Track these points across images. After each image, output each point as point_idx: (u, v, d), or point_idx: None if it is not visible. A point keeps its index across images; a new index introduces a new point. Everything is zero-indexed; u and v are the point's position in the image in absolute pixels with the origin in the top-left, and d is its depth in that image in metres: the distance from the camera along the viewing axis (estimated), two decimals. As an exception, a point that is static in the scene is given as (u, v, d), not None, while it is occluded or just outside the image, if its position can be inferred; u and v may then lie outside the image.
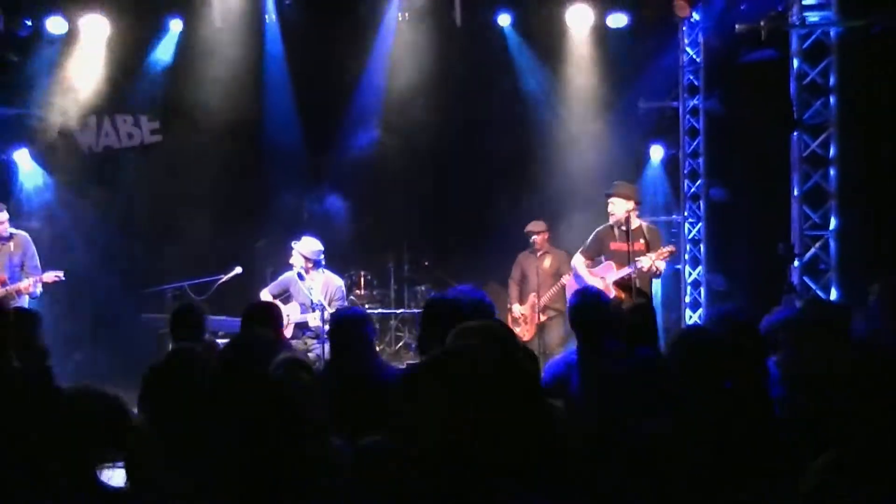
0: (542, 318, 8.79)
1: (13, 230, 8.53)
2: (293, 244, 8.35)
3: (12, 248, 8.36)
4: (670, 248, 7.88)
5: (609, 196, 7.95)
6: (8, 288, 8.00)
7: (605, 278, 7.82)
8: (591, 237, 8.09)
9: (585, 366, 4.45)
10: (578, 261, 8.09)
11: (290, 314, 7.92)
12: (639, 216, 8.08)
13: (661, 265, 7.75)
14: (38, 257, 8.42)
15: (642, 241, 7.77)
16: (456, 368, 2.24)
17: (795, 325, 4.11)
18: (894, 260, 8.00)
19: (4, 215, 8.41)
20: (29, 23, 10.07)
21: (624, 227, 7.73)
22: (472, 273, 9.88)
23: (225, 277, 8.88)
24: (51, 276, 8.18)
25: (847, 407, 2.84)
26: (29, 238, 8.47)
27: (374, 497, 2.62)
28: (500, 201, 10.72)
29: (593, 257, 8.07)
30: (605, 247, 7.96)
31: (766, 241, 8.71)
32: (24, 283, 8.04)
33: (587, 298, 4.69)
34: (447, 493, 2.14)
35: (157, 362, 3.59)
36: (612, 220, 7.87)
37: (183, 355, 3.64)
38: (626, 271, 7.61)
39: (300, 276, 8.26)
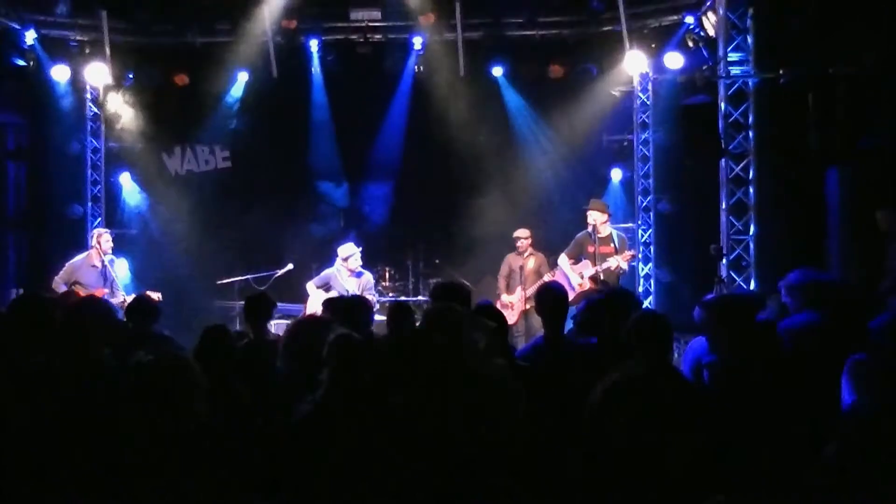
0: (527, 306, 9.03)
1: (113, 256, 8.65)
2: (338, 250, 8.78)
3: (113, 269, 8.50)
4: (632, 252, 8.33)
5: (587, 210, 8.45)
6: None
7: (582, 273, 8.25)
8: (573, 241, 8.60)
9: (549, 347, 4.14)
10: (563, 260, 8.61)
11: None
12: (610, 225, 8.42)
13: (625, 265, 8.13)
14: None
15: (612, 245, 8.17)
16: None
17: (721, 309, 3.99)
18: (800, 258, 8.29)
19: (109, 235, 8.58)
20: (131, 76, 10.69)
21: (598, 234, 8.28)
22: (473, 269, 10.43)
23: (280, 272, 9.21)
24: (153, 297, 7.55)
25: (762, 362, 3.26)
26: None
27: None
28: (495, 213, 11.00)
29: (575, 257, 8.49)
30: (584, 249, 8.48)
31: (702, 244, 9.08)
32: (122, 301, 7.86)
33: (549, 290, 4.41)
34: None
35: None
36: (589, 229, 8.36)
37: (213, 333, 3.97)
38: (597, 269, 8.19)
39: (339, 271, 8.62)
